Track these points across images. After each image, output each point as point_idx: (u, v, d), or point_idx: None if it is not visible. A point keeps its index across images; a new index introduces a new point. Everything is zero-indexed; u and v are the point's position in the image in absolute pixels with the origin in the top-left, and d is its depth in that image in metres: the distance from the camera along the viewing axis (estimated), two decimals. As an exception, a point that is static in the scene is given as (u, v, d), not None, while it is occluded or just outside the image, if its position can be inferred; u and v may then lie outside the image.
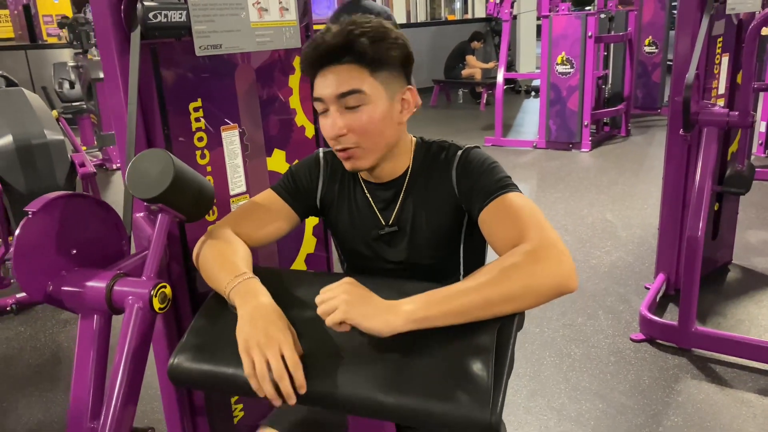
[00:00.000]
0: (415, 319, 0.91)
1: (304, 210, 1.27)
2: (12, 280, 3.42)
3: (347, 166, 1.14)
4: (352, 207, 1.24)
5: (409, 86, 1.15)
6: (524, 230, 0.99)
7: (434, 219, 1.18)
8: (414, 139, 1.22)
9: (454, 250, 1.22)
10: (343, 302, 0.92)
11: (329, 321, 0.92)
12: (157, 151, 1.12)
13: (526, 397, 2.31)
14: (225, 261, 1.08)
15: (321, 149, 1.32)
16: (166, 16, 1.35)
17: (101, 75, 5.73)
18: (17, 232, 1.07)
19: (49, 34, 9.14)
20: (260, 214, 1.23)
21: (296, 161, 1.44)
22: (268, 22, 1.59)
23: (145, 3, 1.30)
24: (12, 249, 1.06)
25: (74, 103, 6.15)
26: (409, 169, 1.19)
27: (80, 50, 5.92)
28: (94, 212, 1.22)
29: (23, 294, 3.23)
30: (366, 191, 1.23)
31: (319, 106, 1.12)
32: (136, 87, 1.31)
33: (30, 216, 1.09)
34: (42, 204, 1.10)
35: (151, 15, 1.31)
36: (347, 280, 0.96)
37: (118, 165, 5.81)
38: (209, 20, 1.45)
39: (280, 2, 1.61)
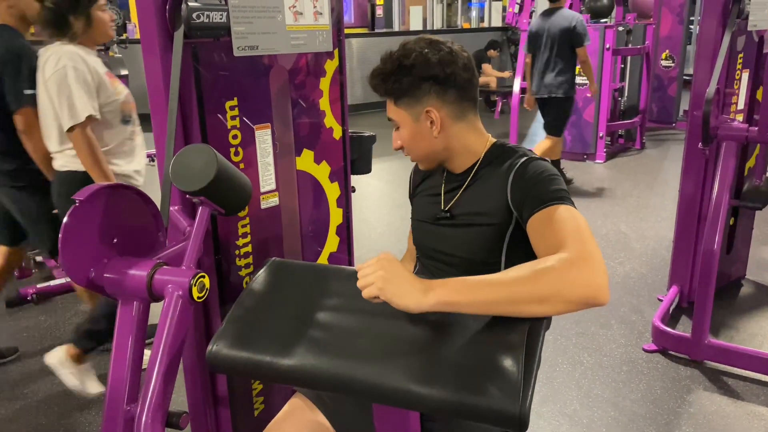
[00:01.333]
0: (445, 302, 0.97)
1: None
2: (33, 271, 3.49)
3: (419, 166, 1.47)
4: (428, 186, 1.46)
5: (428, 108, 1.29)
6: (566, 240, 1.03)
7: (482, 214, 1.28)
8: (492, 140, 1.37)
9: (496, 251, 1.28)
10: (380, 278, 0.98)
11: (365, 294, 0.99)
12: (201, 146, 1.16)
13: (539, 403, 2.33)
14: None
15: None
16: (208, 16, 1.39)
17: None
18: (65, 219, 1.11)
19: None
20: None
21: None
22: (302, 25, 1.63)
23: (190, 3, 1.34)
24: (59, 235, 1.11)
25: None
26: (477, 164, 1.34)
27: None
28: (134, 203, 1.26)
29: (44, 284, 3.29)
30: (443, 177, 1.41)
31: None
32: (177, 84, 1.36)
33: (77, 204, 1.13)
34: (88, 193, 1.14)
35: (194, 15, 1.36)
36: (385, 255, 1.02)
37: (136, 161, 5.87)
38: (248, 22, 1.49)
39: (315, 6, 1.66)
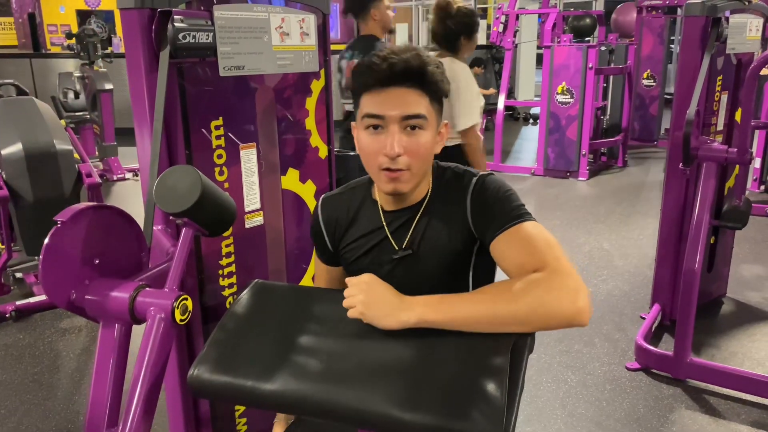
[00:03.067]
0: (425, 320, 0.99)
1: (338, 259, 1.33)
2: (12, 287, 3.44)
3: (389, 187, 1.14)
4: (365, 240, 1.24)
5: (445, 121, 1.21)
6: (540, 258, 1.02)
7: (446, 243, 1.18)
8: (435, 163, 1.24)
9: (463, 275, 1.23)
10: (360, 303, 1.01)
11: (350, 314, 1.03)
12: (186, 167, 1.16)
13: (523, 422, 2.33)
14: None
15: (318, 203, 1.32)
16: (194, 37, 1.40)
17: (107, 86, 5.79)
18: (46, 240, 1.10)
19: (53, 44, 9.21)
20: (324, 283, 1.39)
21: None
22: (289, 46, 1.64)
23: (176, 24, 1.35)
24: (40, 257, 1.09)
25: (77, 113, 6.18)
26: (428, 194, 1.21)
27: (87, 61, 5.97)
28: (118, 224, 1.25)
29: (23, 301, 3.24)
30: (382, 217, 1.23)
31: (370, 122, 1.12)
32: (162, 104, 1.35)
33: (59, 225, 1.12)
34: (71, 214, 1.13)
35: (180, 36, 1.36)
36: (366, 279, 1.04)
37: (120, 175, 5.84)
38: (234, 42, 1.50)
39: (301, 27, 1.67)
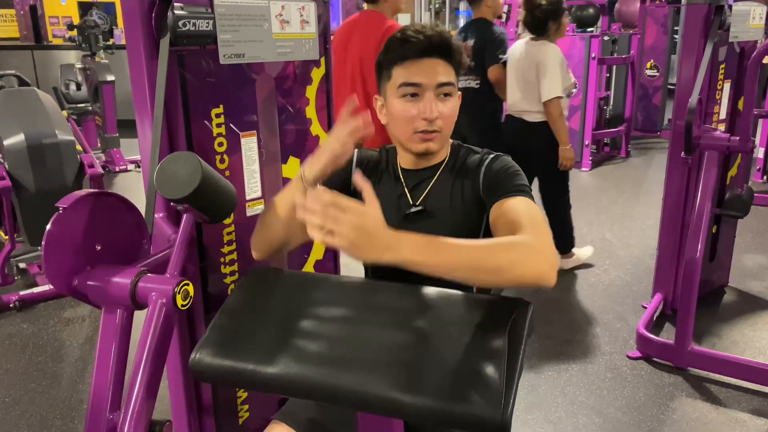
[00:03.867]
0: (409, 260, 0.95)
1: None
2: (16, 278, 3.46)
3: (422, 147, 1.28)
4: (383, 192, 1.28)
5: (459, 92, 1.32)
6: (528, 226, 1.09)
7: (458, 205, 1.30)
8: (451, 140, 1.37)
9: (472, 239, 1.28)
10: (354, 228, 0.90)
11: (322, 240, 0.91)
12: (186, 153, 1.16)
13: (524, 410, 2.34)
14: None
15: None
16: (194, 24, 1.40)
17: (108, 78, 5.79)
18: (48, 226, 1.11)
19: (54, 35, 9.20)
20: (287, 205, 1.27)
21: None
22: (289, 33, 1.64)
23: (176, 12, 1.35)
24: (42, 243, 1.10)
25: (79, 105, 6.18)
26: (446, 160, 1.34)
27: (89, 52, 5.97)
28: (119, 211, 1.26)
29: (27, 291, 3.26)
30: (402, 177, 1.35)
31: (408, 90, 1.25)
32: (163, 91, 1.36)
33: (61, 212, 1.13)
34: (72, 200, 1.14)
35: (180, 23, 1.36)
36: (363, 211, 0.93)
37: (122, 167, 5.84)
38: (234, 30, 1.50)
39: (302, 15, 1.67)
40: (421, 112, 1.24)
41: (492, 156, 1.32)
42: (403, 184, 1.35)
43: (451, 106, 1.28)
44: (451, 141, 1.37)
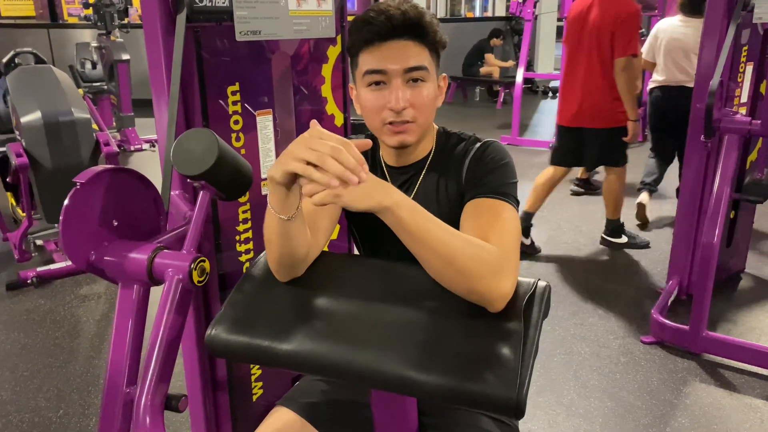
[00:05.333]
0: (395, 210, 0.90)
1: None
2: (33, 254, 3.50)
3: (394, 140, 1.14)
4: None
5: (443, 74, 1.19)
6: (502, 240, 1.00)
7: (444, 204, 1.19)
8: (436, 127, 1.25)
9: None
10: (337, 174, 0.84)
11: (314, 198, 0.86)
12: (203, 130, 1.15)
13: (536, 392, 2.34)
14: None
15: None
16: (211, 0, 1.39)
17: (124, 56, 5.80)
18: (66, 201, 1.11)
19: (70, 14, 9.21)
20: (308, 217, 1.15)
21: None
22: (305, 11, 1.63)
23: (193, -13, 1.34)
24: (60, 218, 1.11)
25: (95, 84, 6.20)
26: (431, 153, 1.22)
27: (104, 31, 5.97)
28: (136, 187, 1.26)
29: (44, 267, 3.30)
30: (387, 174, 1.24)
31: (372, 78, 1.11)
32: (179, 68, 1.35)
33: (78, 187, 1.13)
34: (90, 176, 1.14)
35: (197, -1, 1.35)
36: (347, 142, 0.87)
37: (137, 146, 5.87)
38: (250, 6, 1.49)
39: (318, -8, 1.65)
40: (386, 102, 1.10)
41: (479, 145, 1.17)
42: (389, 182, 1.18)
43: (425, 93, 1.11)
44: (435, 128, 1.24)
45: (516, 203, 1.10)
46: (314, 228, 1.11)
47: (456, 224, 1.09)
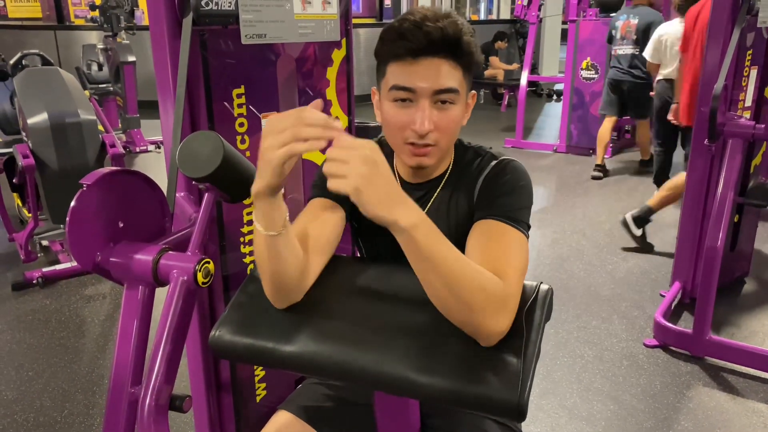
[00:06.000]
0: (412, 229, 0.86)
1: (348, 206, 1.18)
2: (39, 255, 3.52)
3: (413, 161, 1.09)
4: None
5: (473, 92, 1.14)
6: (509, 272, 0.96)
7: (453, 221, 1.15)
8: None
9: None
10: (360, 176, 0.81)
11: (332, 185, 0.82)
12: (208, 133, 1.17)
13: (539, 395, 2.34)
14: None
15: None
16: (217, 4, 1.40)
17: (130, 58, 5.82)
18: (72, 203, 1.12)
19: (76, 16, 9.26)
20: (316, 222, 1.12)
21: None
22: (310, 14, 1.64)
23: (199, -9, 1.35)
24: (67, 219, 1.12)
25: (101, 85, 6.23)
26: (448, 172, 1.17)
27: (110, 33, 6.00)
28: (142, 189, 1.27)
29: (50, 268, 3.31)
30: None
31: (399, 94, 1.04)
32: (185, 71, 1.36)
33: (85, 189, 1.14)
34: (96, 178, 1.15)
35: (203, 2, 1.37)
36: (372, 146, 0.83)
37: (142, 147, 5.89)
38: (256, 10, 1.50)
39: (323, -5, 1.66)
40: (410, 121, 1.04)
41: (494, 163, 1.11)
42: None
43: (453, 116, 1.05)
44: (458, 142, 1.18)
45: (527, 230, 1.06)
46: (315, 249, 1.07)
47: (464, 241, 1.06)
